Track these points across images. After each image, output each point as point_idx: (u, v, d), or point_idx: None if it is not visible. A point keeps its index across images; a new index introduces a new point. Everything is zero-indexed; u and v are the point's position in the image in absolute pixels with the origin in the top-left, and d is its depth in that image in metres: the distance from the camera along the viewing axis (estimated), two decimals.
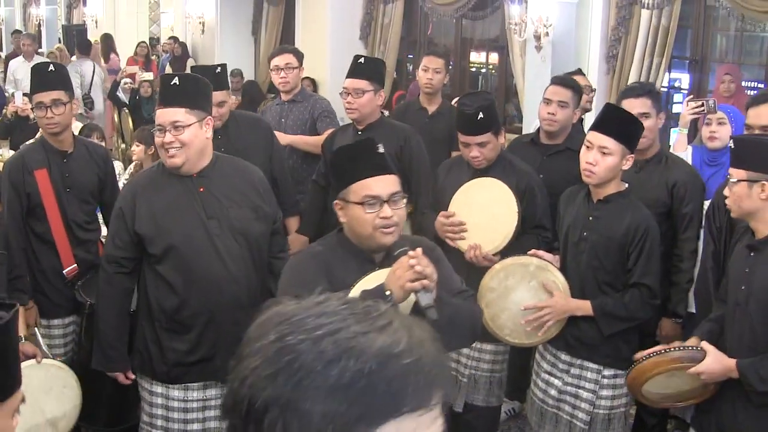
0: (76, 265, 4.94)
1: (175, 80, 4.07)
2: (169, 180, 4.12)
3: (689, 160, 5.07)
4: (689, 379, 3.86)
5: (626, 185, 4.29)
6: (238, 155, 5.08)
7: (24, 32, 16.09)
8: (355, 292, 3.09)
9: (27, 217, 4.86)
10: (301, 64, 6.64)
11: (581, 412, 4.39)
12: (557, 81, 5.40)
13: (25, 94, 9.23)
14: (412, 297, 3.06)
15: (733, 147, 3.71)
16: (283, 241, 4.50)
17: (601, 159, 4.13)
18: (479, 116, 4.59)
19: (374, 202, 3.22)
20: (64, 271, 4.91)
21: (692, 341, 3.86)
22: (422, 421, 1.19)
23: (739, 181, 3.62)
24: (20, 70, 11.83)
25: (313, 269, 3.31)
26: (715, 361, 3.67)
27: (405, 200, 3.33)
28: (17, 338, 2.14)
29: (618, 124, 4.17)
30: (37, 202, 4.82)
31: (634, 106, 4.63)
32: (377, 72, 5.64)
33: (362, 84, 5.51)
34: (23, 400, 2.22)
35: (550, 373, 4.50)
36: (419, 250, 3.10)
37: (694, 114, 5.28)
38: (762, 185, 3.59)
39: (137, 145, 7.01)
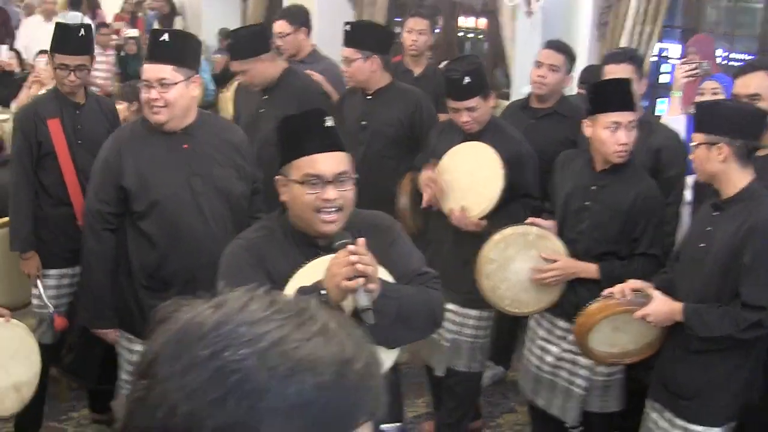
0: None
1: (165, 36, 4.04)
2: (154, 135, 4.11)
3: (683, 127, 5.05)
4: (635, 336, 3.97)
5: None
6: (273, 121, 5.19)
7: None
8: (291, 285, 2.86)
9: (35, 168, 4.85)
10: (301, 25, 6.54)
11: (580, 379, 4.43)
12: (550, 45, 5.43)
13: (42, 52, 9.10)
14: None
15: (695, 112, 3.82)
16: (261, 202, 4.46)
17: (631, 134, 4.14)
18: (465, 80, 4.57)
19: (317, 182, 2.92)
20: (79, 222, 4.81)
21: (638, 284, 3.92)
22: (369, 427, 1.09)
23: (699, 144, 3.70)
24: (39, 31, 11.11)
25: (247, 263, 3.01)
26: (662, 303, 3.76)
27: (352, 182, 3.01)
28: None
29: (620, 94, 4.18)
30: (48, 151, 4.82)
31: (616, 71, 4.66)
32: (365, 37, 5.55)
33: (348, 52, 5.51)
34: None
35: (546, 340, 4.52)
36: (361, 241, 2.80)
37: (687, 76, 5.24)
38: (719, 147, 3.65)
39: (120, 103, 6.94)
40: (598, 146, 4.20)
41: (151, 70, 4.02)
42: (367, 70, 5.48)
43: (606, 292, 3.94)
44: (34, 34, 10.92)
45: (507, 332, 5.88)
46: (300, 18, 6.61)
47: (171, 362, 1.04)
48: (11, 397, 3.99)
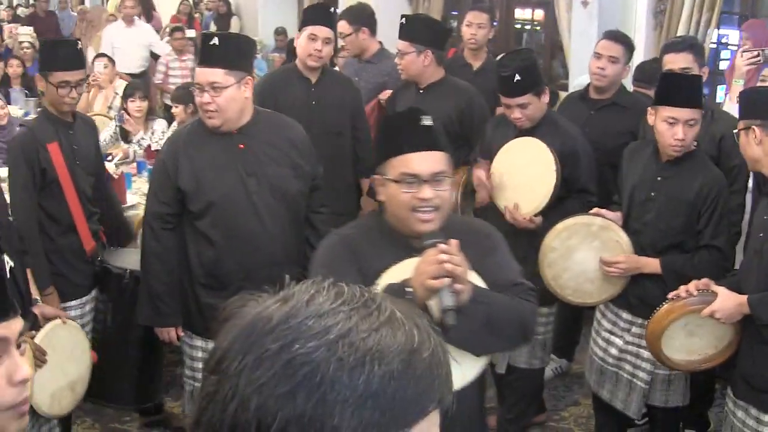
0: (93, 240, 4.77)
1: (215, 40, 4.06)
2: (210, 137, 4.16)
3: None
4: (711, 338, 3.89)
5: (695, 144, 4.26)
6: (327, 109, 5.48)
7: None
8: (382, 283, 2.83)
9: (38, 198, 4.57)
10: (362, 25, 6.55)
11: (642, 372, 4.41)
12: (609, 36, 5.38)
13: (100, 56, 9.25)
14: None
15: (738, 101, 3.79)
16: (323, 197, 4.49)
17: (690, 130, 4.10)
18: (516, 78, 4.55)
19: (413, 181, 2.88)
20: (85, 248, 4.71)
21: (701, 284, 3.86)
22: (437, 414, 1.09)
23: (739, 131, 3.70)
24: (120, 37, 11.08)
25: (342, 256, 3.00)
26: (727, 298, 3.71)
27: (450, 182, 2.99)
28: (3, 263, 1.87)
29: (685, 90, 4.13)
30: (53, 178, 4.54)
31: (676, 60, 4.63)
32: (419, 31, 5.56)
33: (402, 45, 5.57)
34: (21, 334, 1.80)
35: (610, 332, 4.51)
36: (453, 242, 2.74)
37: (749, 64, 5.19)
38: (753, 131, 3.65)
39: (176, 107, 7.06)
40: (658, 137, 4.19)
41: (202, 74, 4.05)
42: (420, 64, 5.52)
43: (671, 294, 3.88)
44: (115, 40, 11.03)
45: (571, 325, 5.87)
46: (361, 18, 6.61)
47: (241, 357, 1.05)
48: (67, 397, 4.06)
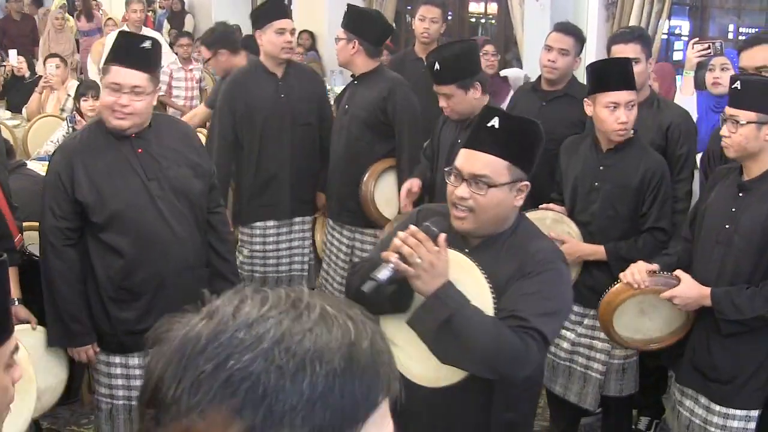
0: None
1: (147, 43, 3.92)
2: (107, 143, 3.93)
3: (695, 106, 5.04)
4: (661, 322, 3.90)
5: (633, 130, 4.27)
6: (295, 102, 5.56)
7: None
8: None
9: None
10: (211, 50, 6.89)
11: (597, 363, 4.42)
12: (559, 28, 5.37)
13: (51, 56, 9.11)
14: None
15: (739, 88, 3.64)
16: (219, 196, 4.40)
17: (630, 113, 4.12)
18: (435, 67, 4.56)
19: (457, 176, 2.90)
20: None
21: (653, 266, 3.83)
22: (387, 403, 1.07)
23: (748, 122, 3.58)
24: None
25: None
26: (690, 287, 3.70)
27: (497, 190, 2.87)
28: (8, 282, 1.93)
29: (619, 73, 4.16)
30: None
31: (624, 51, 4.61)
32: (353, 21, 5.62)
33: (339, 31, 5.65)
34: (16, 348, 1.97)
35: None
36: (442, 236, 2.76)
37: (700, 56, 5.22)
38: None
39: (85, 100, 7.05)
40: (599, 125, 4.19)
41: (125, 76, 3.84)
42: (348, 52, 5.57)
43: (621, 276, 3.85)
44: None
45: None
46: (216, 42, 6.89)
47: (176, 383, 1.00)
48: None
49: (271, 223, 5.71)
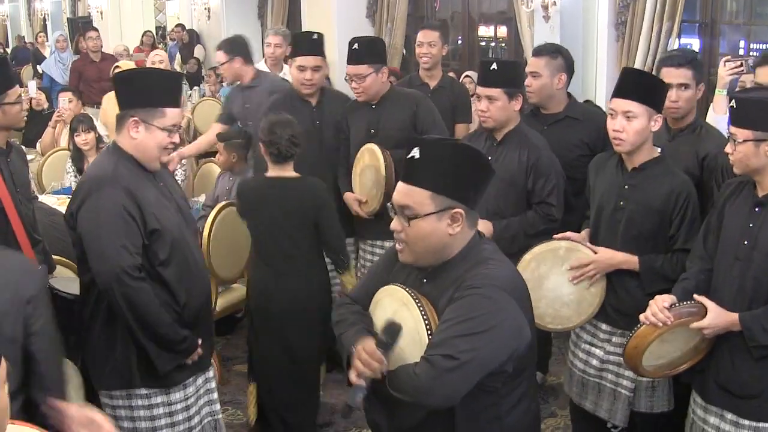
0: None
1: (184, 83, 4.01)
2: (144, 173, 3.89)
3: (726, 124, 4.99)
4: (680, 344, 3.84)
5: (659, 150, 4.25)
6: (329, 127, 5.81)
7: None
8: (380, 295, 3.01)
9: None
10: (236, 55, 7.17)
11: (626, 380, 4.39)
12: (533, 52, 5.48)
13: (64, 90, 9.13)
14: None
15: (735, 107, 3.65)
16: None
17: (627, 124, 4.10)
18: (492, 67, 4.77)
19: (392, 209, 2.95)
20: None
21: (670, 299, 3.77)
22: None
23: (745, 141, 3.58)
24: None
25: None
26: (718, 316, 3.65)
27: (424, 221, 2.81)
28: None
29: (637, 85, 4.13)
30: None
31: (674, 76, 4.52)
32: (373, 52, 5.65)
33: (361, 68, 5.61)
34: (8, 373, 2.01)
35: (590, 344, 4.50)
36: (370, 350, 2.80)
37: (732, 74, 5.15)
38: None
39: (77, 135, 7.18)
40: None
41: (179, 115, 3.92)
42: (380, 82, 5.66)
43: (642, 317, 3.75)
44: None
45: (542, 338, 5.86)
46: (234, 48, 7.13)
47: None
48: None
49: None
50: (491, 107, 4.74)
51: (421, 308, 2.80)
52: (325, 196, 5.12)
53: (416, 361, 2.74)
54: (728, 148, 3.68)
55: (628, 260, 4.24)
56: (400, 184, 2.85)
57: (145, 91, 3.81)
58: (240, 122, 7.04)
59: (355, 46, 5.66)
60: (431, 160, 2.80)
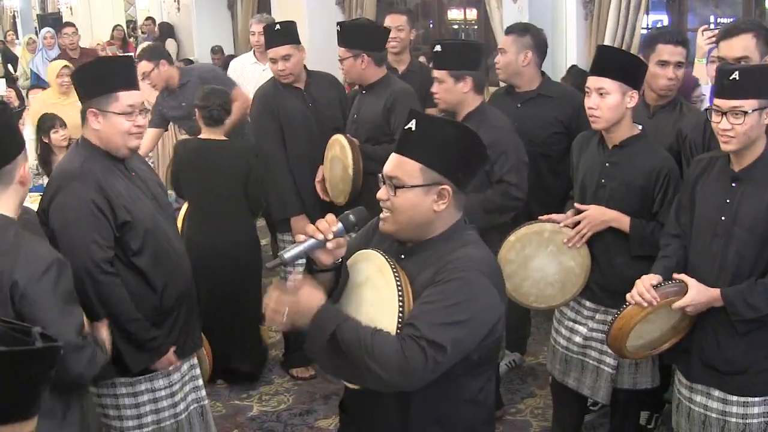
0: None
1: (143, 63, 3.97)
2: (108, 166, 3.84)
3: (708, 95, 4.98)
4: (660, 324, 3.83)
5: (640, 128, 4.26)
6: (322, 108, 5.81)
7: None
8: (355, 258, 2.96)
9: None
10: (153, 62, 6.99)
11: (609, 357, 4.41)
12: (506, 31, 5.61)
13: (34, 87, 8.98)
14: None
15: (738, 78, 3.48)
16: None
17: (601, 101, 4.12)
18: (436, 49, 4.83)
19: (381, 179, 2.89)
20: None
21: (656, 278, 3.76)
22: None
23: (753, 110, 3.47)
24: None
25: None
26: (699, 292, 3.64)
27: (409, 191, 2.80)
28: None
29: (610, 63, 4.15)
30: None
31: (671, 53, 4.56)
32: (354, 37, 5.61)
33: (341, 51, 5.64)
34: None
35: (574, 321, 4.53)
36: (330, 218, 2.85)
37: (710, 43, 5.14)
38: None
39: (55, 131, 7.09)
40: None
41: (136, 95, 3.87)
42: (358, 68, 5.59)
43: (628, 297, 3.72)
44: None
45: (520, 318, 5.88)
46: (155, 54, 7.02)
47: None
48: None
49: None
50: (439, 89, 4.77)
51: (398, 277, 2.77)
52: (253, 160, 5.80)
53: (383, 328, 2.68)
54: (724, 125, 3.53)
55: (619, 218, 4.23)
56: (393, 155, 2.85)
57: (97, 79, 3.80)
58: (182, 121, 7.13)
59: (338, 28, 5.72)
60: (427, 134, 2.80)
